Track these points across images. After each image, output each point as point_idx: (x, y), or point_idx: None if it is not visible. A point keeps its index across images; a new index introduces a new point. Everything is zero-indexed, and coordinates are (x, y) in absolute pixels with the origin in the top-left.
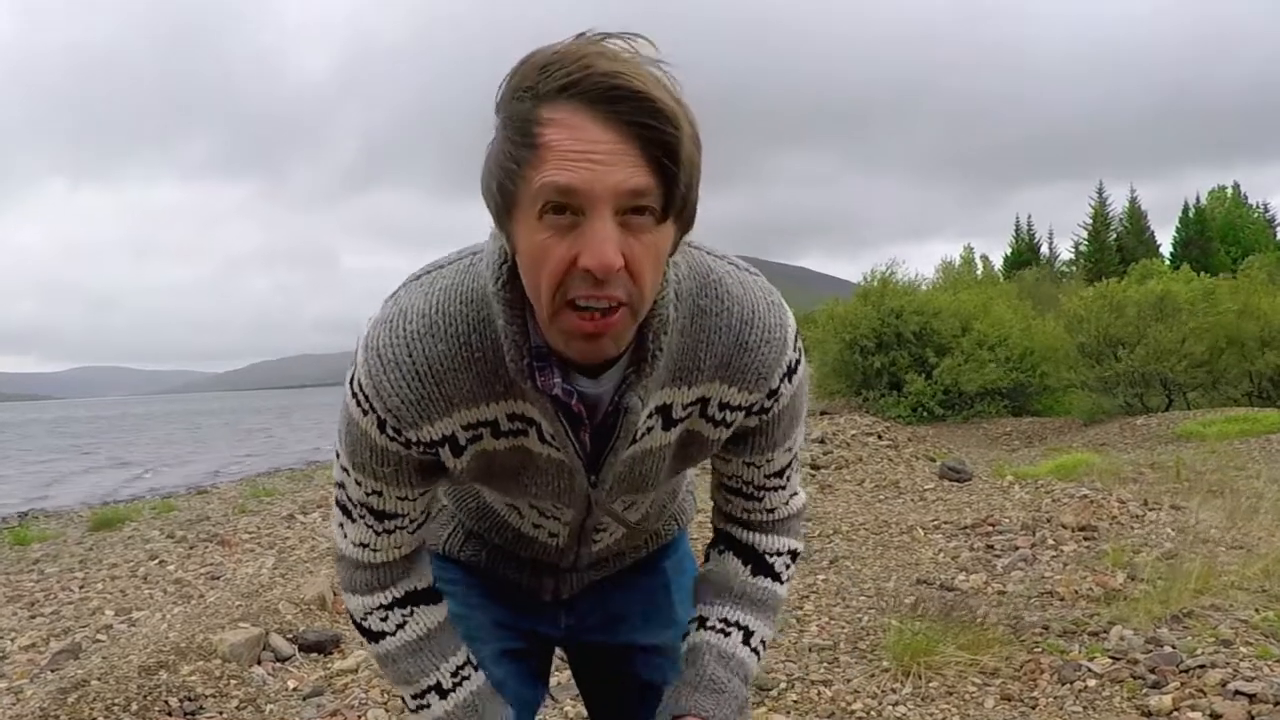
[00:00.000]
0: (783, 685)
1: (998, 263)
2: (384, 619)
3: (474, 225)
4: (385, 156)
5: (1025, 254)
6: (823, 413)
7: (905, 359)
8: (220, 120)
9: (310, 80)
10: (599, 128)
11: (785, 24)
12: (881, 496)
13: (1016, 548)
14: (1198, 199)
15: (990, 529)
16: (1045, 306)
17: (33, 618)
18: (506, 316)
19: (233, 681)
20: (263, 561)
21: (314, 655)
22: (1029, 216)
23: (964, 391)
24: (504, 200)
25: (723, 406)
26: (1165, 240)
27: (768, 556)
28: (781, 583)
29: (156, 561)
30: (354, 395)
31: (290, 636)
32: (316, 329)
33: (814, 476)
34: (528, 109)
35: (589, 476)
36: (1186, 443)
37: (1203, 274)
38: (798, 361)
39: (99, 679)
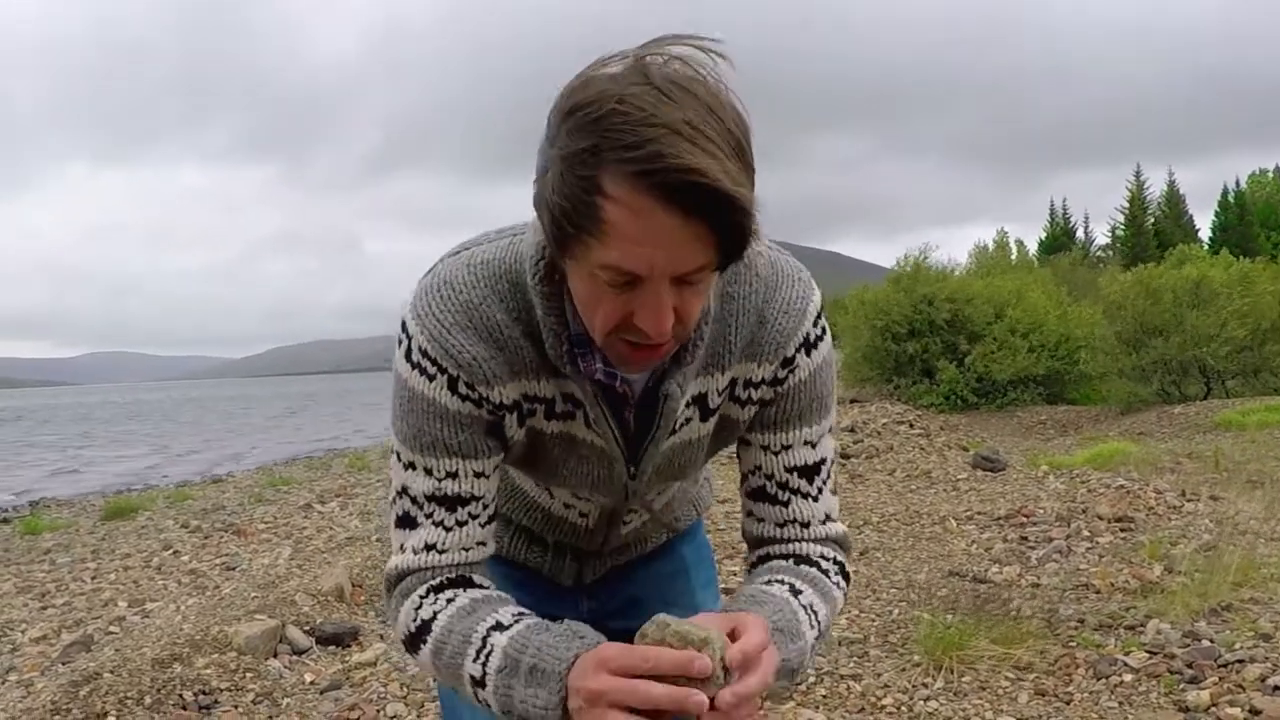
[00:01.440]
0: (811, 680)
1: (1033, 248)
2: (434, 601)
3: (500, 209)
4: (410, 139)
5: (1060, 238)
6: (853, 400)
7: (938, 346)
8: (245, 102)
9: (337, 60)
10: (666, 214)
11: (823, 4)
12: (913, 486)
13: (1051, 539)
14: (1237, 183)
15: (1024, 520)
16: (1081, 292)
17: (44, 609)
18: (544, 308)
19: (248, 674)
20: (279, 552)
21: (331, 648)
22: (1064, 200)
23: (997, 379)
24: (559, 246)
25: (746, 384)
26: (1204, 225)
27: (810, 555)
28: (830, 579)
29: (170, 551)
30: (415, 366)
31: (307, 629)
32: (337, 315)
33: (844, 465)
34: (589, 174)
35: (628, 467)
36: (1225, 432)
37: (1242, 258)
38: (818, 338)
39: (111, 672)
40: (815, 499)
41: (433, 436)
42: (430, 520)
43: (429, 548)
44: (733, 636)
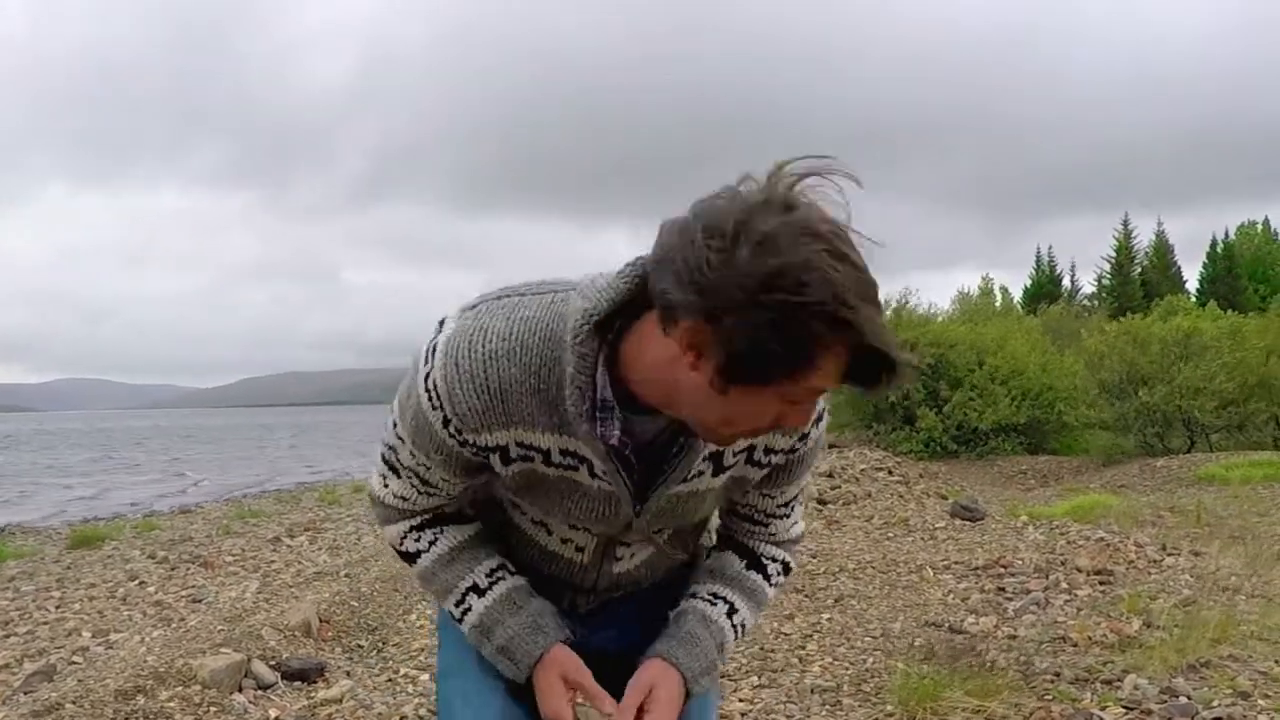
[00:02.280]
0: None
1: (1018, 294)
2: (416, 539)
3: (480, 240)
4: (394, 167)
5: (1046, 286)
6: (831, 446)
7: (919, 392)
8: (230, 127)
9: (324, 86)
10: (849, 368)
11: (808, 45)
12: (890, 534)
13: (1029, 591)
14: (1226, 234)
15: (1002, 570)
16: (1066, 342)
17: (6, 637)
18: (576, 366)
19: (212, 709)
20: (246, 585)
21: (297, 684)
22: (1049, 248)
23: (977, 428)
24: (752, 379)
25: (767, 451)
26: (1192, 276)
27: (763, 558)
28: (771, 584)
29: (136, 582)
30: (426, 392)
31: (273, 663)
32: (312, 345)
33: (821, 511)
34: (817, 330)
35: (634, 505)
36: (1208, 486)
37: (1230, 311)
38: (825, 410)
39: (74, 703)
40: (789, 516)
41: (421, 441)
42: (409, 481)
43: (402, 499)
44: (650, 699)
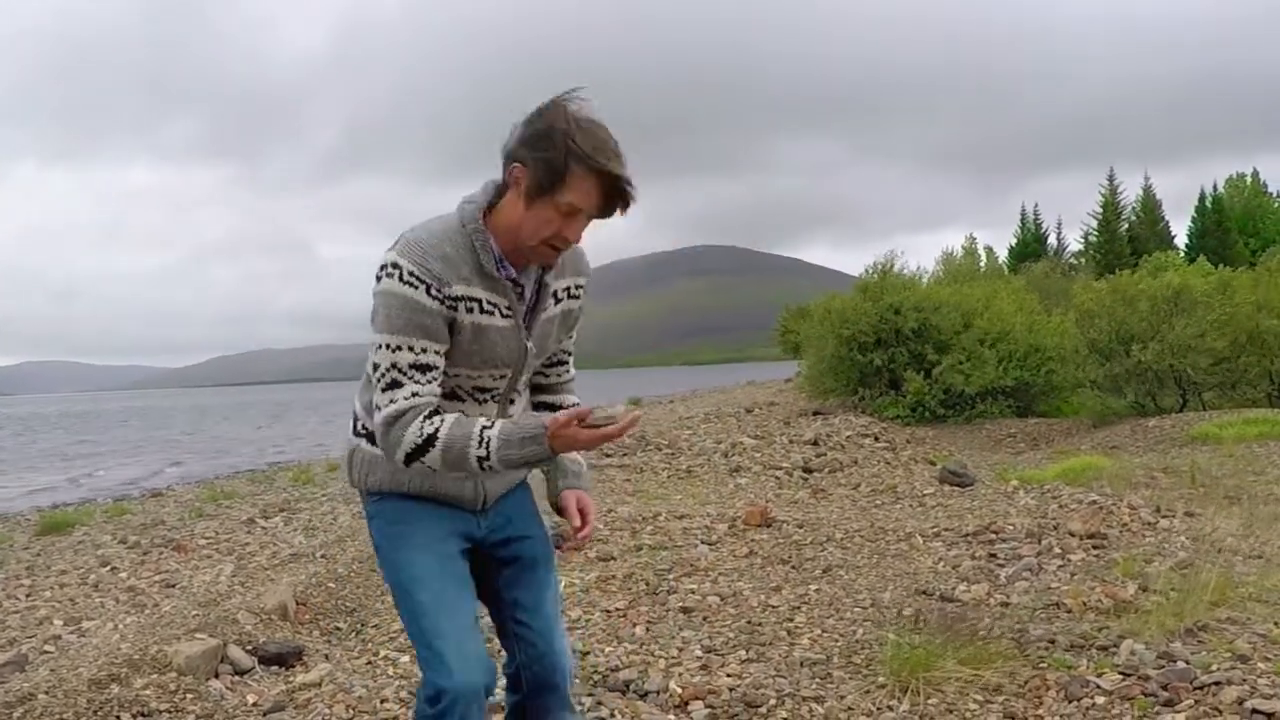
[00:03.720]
0: (772, 702)
1: (1004, 254)
2: (432, 423)
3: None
4: (369, 139)
5: (1032, 245)
6: (816, 413)
7: (904, 356)
8: (204, 100)
9: (297, 57)
10: (599, 190)
11: (800, 8)
12: (878, 501)
13: (1021, 557)
14: (1215, 187)
15: (993, 536)
16: (1054, 301)
17: None
18: (481, 241)
19: (188, 696)
20: (221, 569)
21: (274, 668)
22: (1035, 205)
23: (964, 391)
24: (538, 192)
25: (577, 287)
26: (1180, 231)
27: (566, 404)
28: None
29: (108, 568)
30: (407, 282)
31: (250, 648)
32: (286, 321)
33: (807, 480)
34: (569, 160)
35: (526, 334)
36: (1202, 446)
37: (1220, 266)
38: (588, 281)
39: (46, 692)
40: (571, 355)
41: (416, 324)
42: (412, 380)
43: (414, 395)
44: (579, 503)
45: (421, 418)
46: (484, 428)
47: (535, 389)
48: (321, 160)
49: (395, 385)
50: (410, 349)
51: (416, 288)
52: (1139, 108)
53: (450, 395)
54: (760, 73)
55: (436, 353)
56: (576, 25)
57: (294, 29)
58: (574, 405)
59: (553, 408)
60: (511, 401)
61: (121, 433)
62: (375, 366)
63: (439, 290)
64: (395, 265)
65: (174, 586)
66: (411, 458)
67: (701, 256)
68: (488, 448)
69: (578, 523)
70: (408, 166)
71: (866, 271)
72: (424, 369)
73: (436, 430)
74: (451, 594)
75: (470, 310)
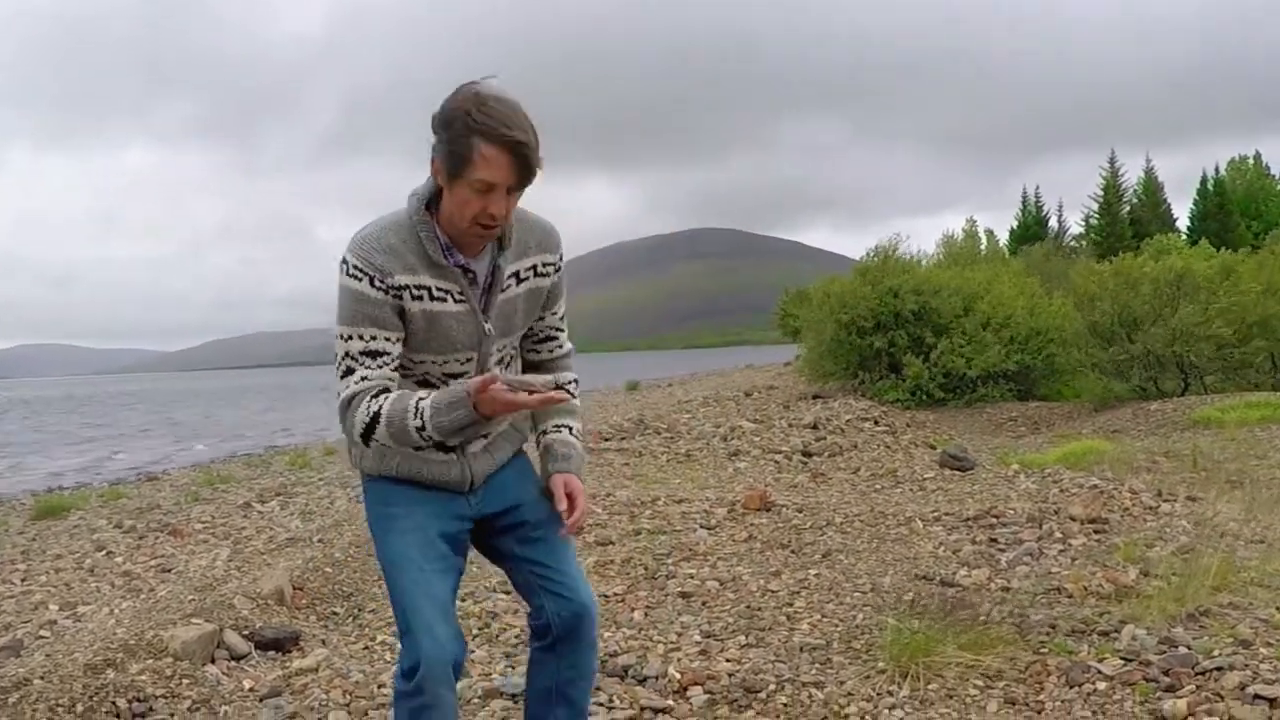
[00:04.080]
0: (771, 687)
1: (1006, 237)
2: (377, 404)
3: None
4: (366, 121)
5: (1033, 228)
6: (815, 396)
7: (904, 340)
8: (197, 81)
9: (295, 37)
10: (505, 158)
11: None
12: (878, 486)
13: (1022, 541)
14: (1217, 169)
15: (994, 521)
16: (1055, 284)
17: None
18: (425, 230)
19: (185, 681)
20: (217, 553)
21: (271, 653)
22: (1036, 188)
23: (965, 375)
24: (451, 175)
25: (544, 265)
26: (1182, 213)
27: (565, 386)
28: (575, 399)
29: (104, 552)
30: (352, 275)
31: (246, 633)
32: (283, 305)
33: (806, 464)
34: (470, 138)
35: (483, 317)
36: (1204, 429)
37: (1222, 249)
38: (562, 257)
39: (41, 678)
40: (563, 331)
41: (363, 314)
42: (363, 366)
43: (364, 379)
44: (567, 486)
45: (369, 398)
46: (419, 399)
47: (531, 367)
48: (319, 142)
49: (349, 372)
50: (360, 337)
51: (360, 280)
52: (1141, 90)
53: (424, 383)
54: (761, 53)
55: (387, 339)
56: (575, 5)
57: (291, 11)
58: (570, 382)
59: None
60: None
61: (132, 417)
62: (335, 356)
63: (381, 281)
64: (344, 260)
65: (170, 571)
66: (366, 437)
67: (701, 239)
68: (422, 417)
69: (563, 506)
70: (405, 148)
71: (868, 255)
72: (374, 355)
73: (380, 408)
74: (430, 576)
75: (418, 298)
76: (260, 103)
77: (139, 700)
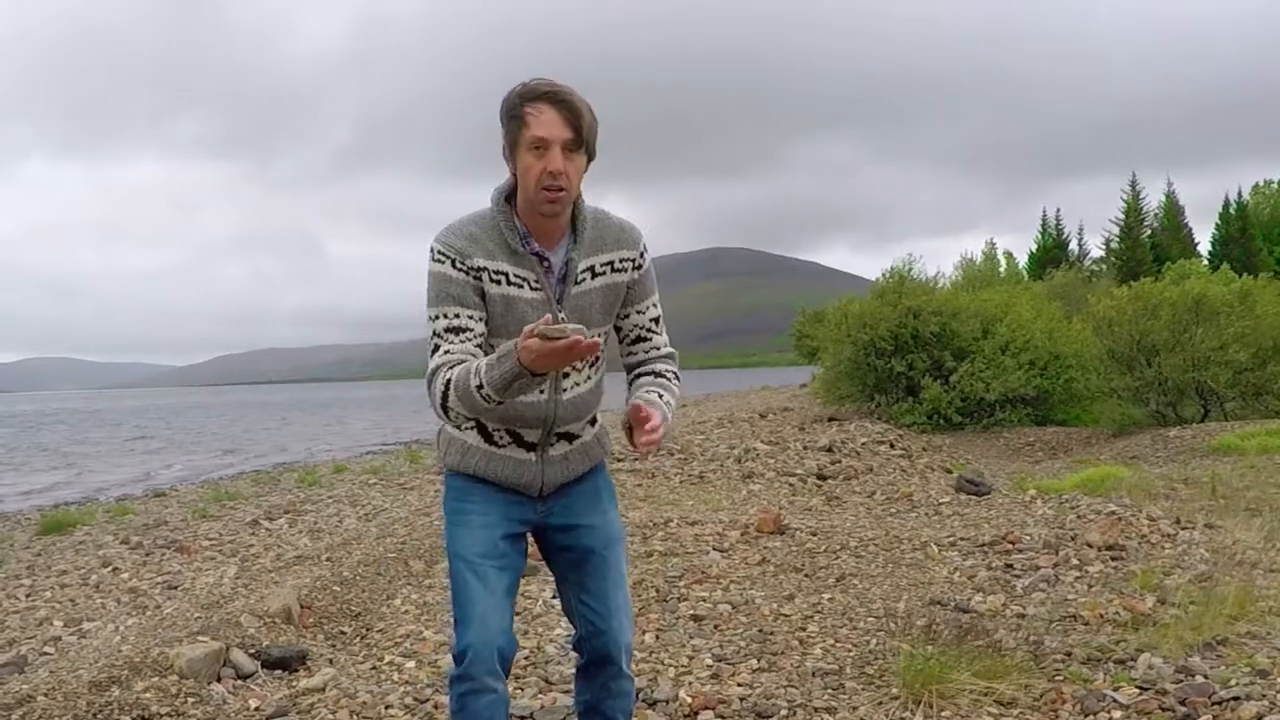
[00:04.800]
0: (783, 712)
1: (1025, 259)
2: (450, 372)
3: (471, 208)
4: (383, 136)
5: (1053, 251)
6: (831, 419)
7: (923, 362)
8: (215, 94)
9: (314, 52)
10: (552, 112)
11: (824, 5)
12: (893, 510)
13: (1038, 567)
14: (1240, 193)
15: (1010, 547)
16: (1075, 308)
17: None
18: (506, 219)
19: (190, 700)
20: (224, 570)
21: (278, 672)
22: (1057, 210)
23: (984, 399)
24: (512, 147)
25: (622, 260)
26: (1204, 238)
27: (665, 371)
28: (675, 381)
29: (110, 569)
30: (437, 259)
31: (253, 652)
32: (293, 320)
33: (821, 487)
34: (520, 105)
35: (558, 307)
36: (1223, 456)
37: (1244, 274)
38: (647, 248)
39: (46, 695)
40: (661, 334)
41: (446, 294)
42: (446, 342)
43: (446, 353)
44: (643, 411)
45: (445, 370)
46: (480, 361)
47: (629, 370)
48: (333, 157)
49: (435, 350)
50: (444, 316)
51: (443, 262)
52: (1165, 113)
53: None
54: (781, 72)
55: (470, 316)
56: (593, 23)
57: (311, 25)
58: (667, 372)
59: (654, 373)
60: (565, 376)
61: (166, 430)
62: (427, 338)
63: (462, 262)
64: (431, 247)
65: (176, 588)
66: (444, 407)
67: (718, 259)
68: (479, 375)
69: (640, 423)
70: (420, 164)
71: (883, 275)
72: (456, 331)
73: (451, 377)
74: (489, 570)
75: (497, 282)
76: (276, 117)
77: (143, 718)
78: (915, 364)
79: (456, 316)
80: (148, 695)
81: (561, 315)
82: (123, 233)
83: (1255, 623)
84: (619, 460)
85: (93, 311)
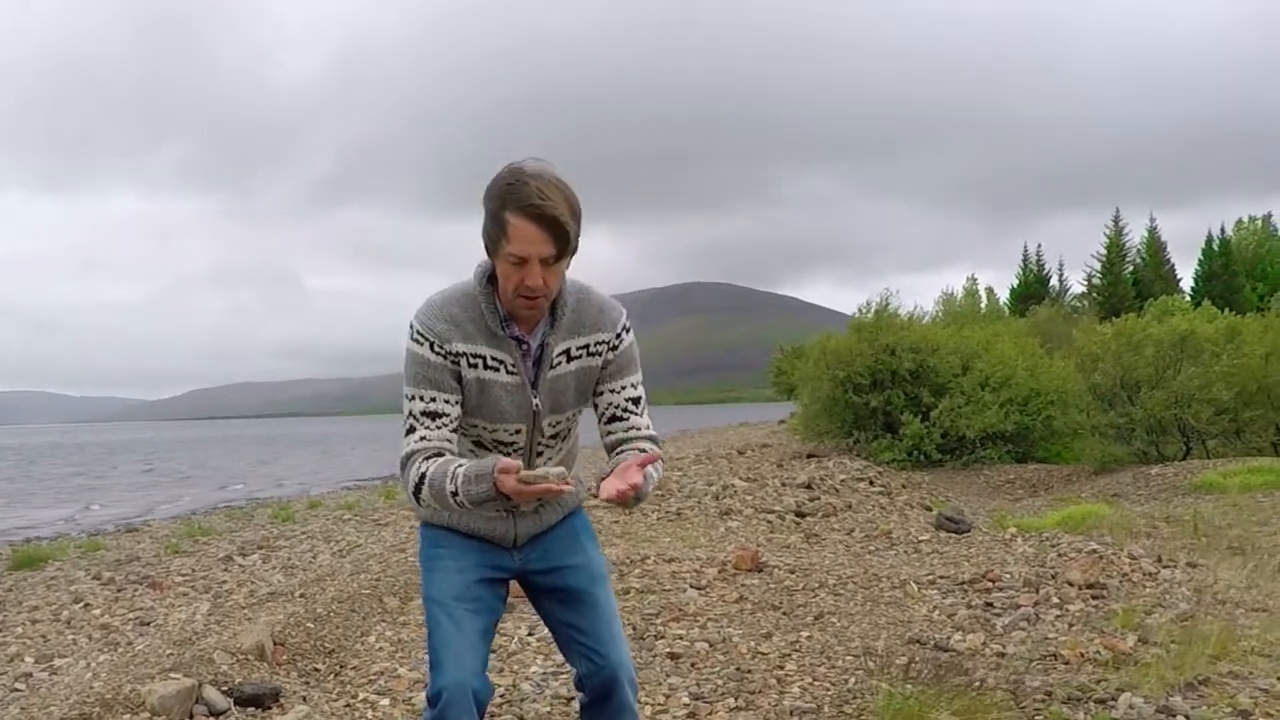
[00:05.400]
0: None
1: (1006, 295)
2: (429, 465)
3: (440, 244)
4: (362, 169)
5: (1034, 286)
6: (810, 455)
7: (901, 399)
8: (196, 127)
9: (295, 85)
10: (534, 229)
11: (800, 32)
12: (872, 547)
13: (1018, 606)
14: (1222, 229)
15: (990, 585)
16: (1056, 344)
17: None
18: (486, 301)
19: None
20: (197, 607)
21: (251, 710)
22: (1038, 246)
23: (964, 435)
24: (491, 250)
25: (597, 344)
26: (1186, 275)
27: (648, 444)
28: (660, 464)
29: (81, 605)
30: (415, 339)
31: (225, 689)
32: (268, 354)
33: (799, 524)
34: (503, 212)
35: (533, 392)
36: (1205, 495)
37: (1226, 311)
38: (628, 328)
39: None
40: (641, 416)
41: (424, 377)
42: (423, 426)
43: (422, 439)
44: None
45: (421, 459)
46: (458, 466)
47: (610, 450)
48: (313, 190)
49: (410, 430)
50: (420, 398)
51: (422, 344)
52: (1149, 149)
53: (478, 444)
54: (765, 105)
55: (446, 401)
56: (576, 56)
57: (293, 56)
58: (645, 438)
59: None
60: (538, 455)
61: (118, 465)
62: (402, 414)
63: (440, 346)
64: (411, 325)
65: (148, 624)
66: (416, 494)
67: (695, 294)
68: (455, 483)
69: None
70: (400, 198)
71: (860, 311)
72: (433, 416)
73: (427, 470)
74: (463, 615)
75: (474, 366)
76: (256, 149)
77: None
78: (892, 400)
79: (433, 400)
80: None
81: (537, 401)
82: (100, 265)
83: (1238, 662)
84: (594, 496)
85: (68, 346)
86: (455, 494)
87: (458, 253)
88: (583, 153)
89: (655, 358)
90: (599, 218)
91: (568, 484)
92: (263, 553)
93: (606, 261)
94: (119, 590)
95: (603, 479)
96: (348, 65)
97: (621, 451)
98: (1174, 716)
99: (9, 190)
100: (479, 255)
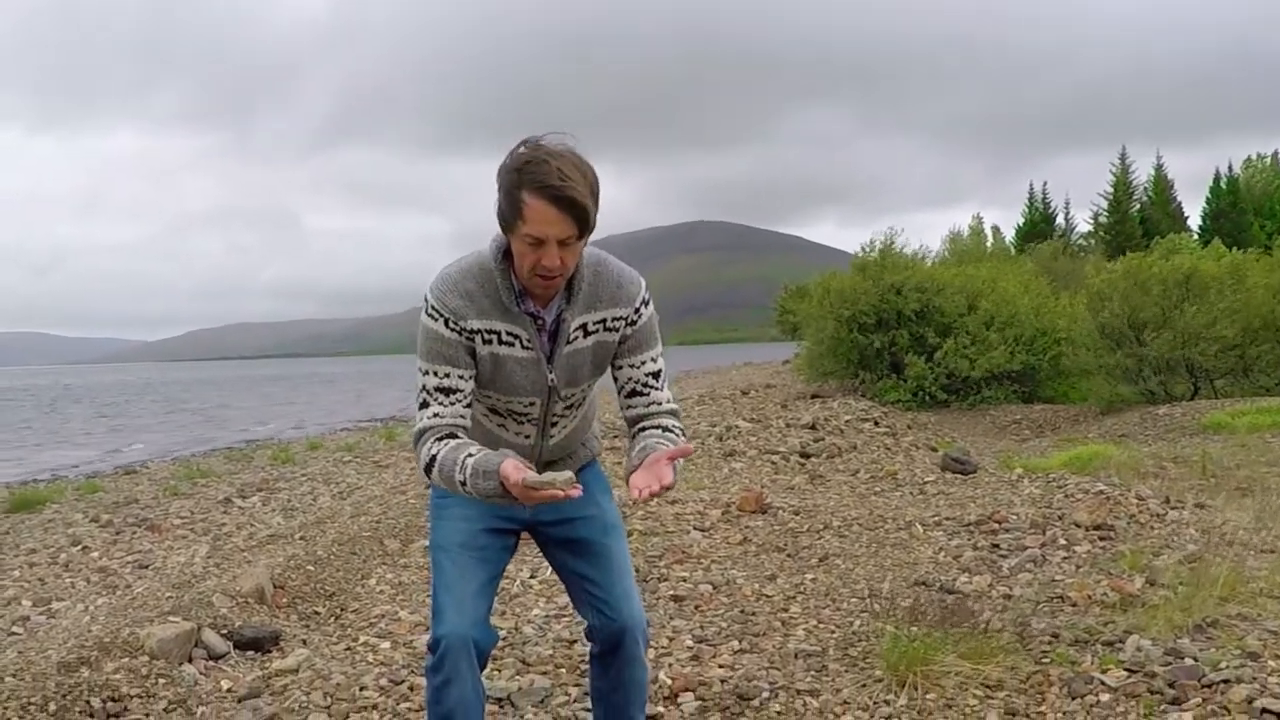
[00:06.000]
0: (765, 694)
1: (1012, 234)
2: (439, 446)
3: (444, 185)
4: (363, 108)
5: (1040, 225)
6: (814, 396)
7: (906, 339)
8: (195, 65)
9: (295, 21)
10: (553, 211)
11: None
12: (877, 489)
13: (1024, 547)
14: (1230, 167)
15: (996, 526)
16: (1063, 283)
17: None
18: (501, 276)
19: (161, 680)
20: (195, 549)
21: (250, 653)
22: (1044, 184)
23: (969, 376)
24: (506, 228)
25: (615, 319)
26: (1194, 213)
27: (669, 425)
28: (679, 435)
29: (79, 547)
30: (429, 314)
31: (225, 632)
32: (268, 294)
33: (804, 465)
34: (519, 192)
35: (548, 367)
36: (1213, 435)
37: (1234, 249)
38: (647, 301)
39: (13, 675)
40: (661, 390)
41: (438, 353)
42: (436, 401)
43: (435, 415)
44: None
45: (434, 439)
46: (468, 455)
47: (631, 424)
48: (314, 129)
49: (424, 405)
50: (434, 374)
51: (436, 320)
52: (1156, 86)
53: (493, 410)
54: (768, 42)
55: (460, 377)
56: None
57: None
58: (668, 414)
59: (658, 427)
60: (553, 424)
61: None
62: (416, 387)
63: (455, 323)
64: (426, 298)
65: (147, 567)
66: (426, 471)
67: (699, 233)
68: (464, 473)
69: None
70: (401, 137)
71: (863, 249)
72: (446, 391)
73: (438, 453)
74: (468, 562)
75: (488, 342)
76: (255, 88)
77: (114, 700)
78: (897, 340)
79: (447, 376)
80: (118, 676)
81: (552, 376)
82: (98, 205)
83: (1246, 604)
84: (624, 481)
85: (65, 286)
86: (464, 484)
87: (459, 192)
88: (585, 91)
89: (657, 296)
90: (602, 158)
91: (575, 489)
92: (262, 495)
93: (609, 200)
94: (117, 533)
95: (630, 472)
96: (349, 3)
97: (644, 429)
98: (1182, 659)
99: (8, 128)
100: (478, 198)
